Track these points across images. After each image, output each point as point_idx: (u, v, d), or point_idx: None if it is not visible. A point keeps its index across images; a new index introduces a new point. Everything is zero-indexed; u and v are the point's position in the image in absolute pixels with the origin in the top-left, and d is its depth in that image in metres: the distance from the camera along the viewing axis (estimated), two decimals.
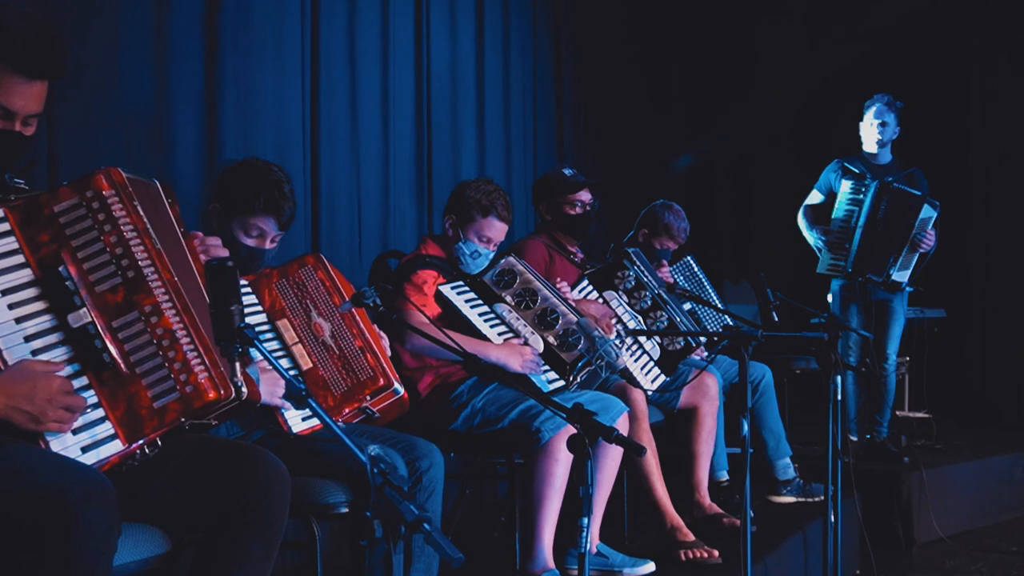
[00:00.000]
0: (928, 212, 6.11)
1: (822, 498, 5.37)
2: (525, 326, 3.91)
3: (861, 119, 6.46)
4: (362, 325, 3.19)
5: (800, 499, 5.35)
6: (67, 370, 2.29)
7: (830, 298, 6.71)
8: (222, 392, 2.32)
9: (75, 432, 2.26)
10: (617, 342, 3.87)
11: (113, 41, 3.86)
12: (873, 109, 6.33)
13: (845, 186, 6.26)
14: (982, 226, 8.33)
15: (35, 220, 2.34)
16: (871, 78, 7.55)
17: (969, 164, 8.41)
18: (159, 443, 2.38)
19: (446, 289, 3.84)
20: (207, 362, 2.33)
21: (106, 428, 2.30)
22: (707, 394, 4.73)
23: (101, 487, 2.06)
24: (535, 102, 6.79)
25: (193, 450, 2.49)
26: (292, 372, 3.07)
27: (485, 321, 3.87)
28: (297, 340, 3.15)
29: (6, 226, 2.33)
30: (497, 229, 3.97)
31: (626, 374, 3.90)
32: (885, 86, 6.58)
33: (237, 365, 2.19)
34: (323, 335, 3.16)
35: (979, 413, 8.23)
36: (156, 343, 2.32)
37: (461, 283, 3.96)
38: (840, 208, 6.23)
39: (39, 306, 2.31)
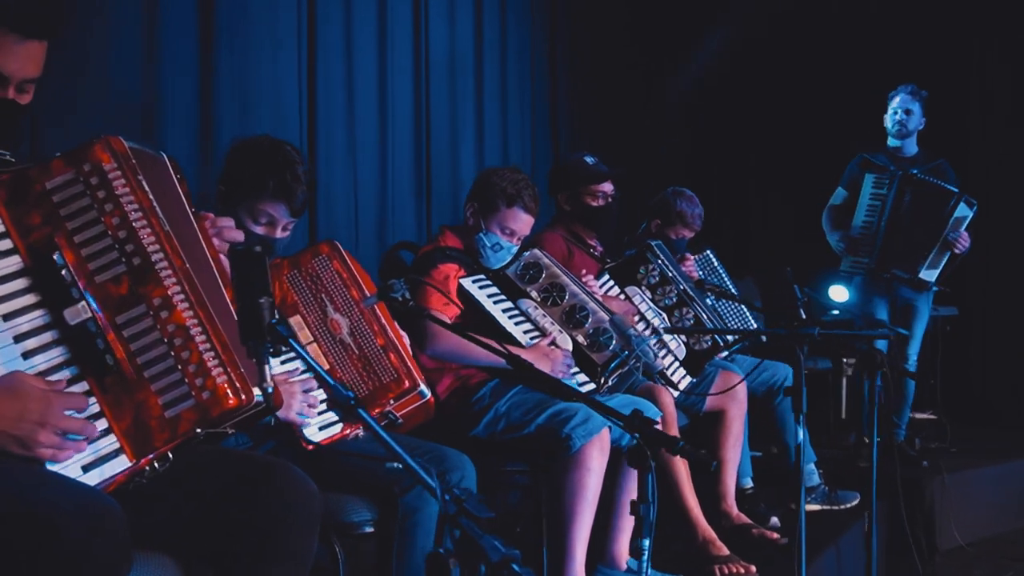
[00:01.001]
0: (964, 211, 5.83)
1: (849, 505, 5.14)
2: (552, 324, 3.59)
3: (885, 111, 6.19)
4: (384, 321, 2.86)
5: (826, 507, 5.06)
6: (64, 374, 1.95)
7: (835, 294, 6.44)
8: (243, 398, 2.00)
9: (77, 448, 1.92)
10: (654, 341, 3.56)
11: (100, 18, 3.57)
12: (897, 99, 6.07)
13: (868, 180, 5.99)
14: (982, 226, 8.08)
15: (24, 198, 2.00)
16: (870, 77, 7.29)
17: (969, 164, 8.15)
18: (170, 457, 2.04)
19: (467, 283, 3.52)
20: (226, 363, 2.00)
21: (110, 442, 1.96)
22: (735, 397, 4.43)
23: (109, 516, 1.73)
24: (532, 90, 6.56)
25: (207, 464, 2.16)
26: (305, 375, 2.73)
27: (510, 318, 3.56)
28: (312, 339, 2.82)
29: None
30: (522, 221, 3.66)
31: (663, 375, 3.59)
32: (885, 85, 6.33)
33: (267, 368, 1.85)
34: (340, 333, 2.83)
35: (979, 414, 7.99)
36: (167, 342, 1.99)
37: (483, 277, 3.63)
38: (863, 203, 5.96)
39: (30, 299, 1.98)
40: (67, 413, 1.86)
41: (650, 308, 4.26)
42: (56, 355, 1.96)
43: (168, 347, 1.99)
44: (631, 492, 3.57)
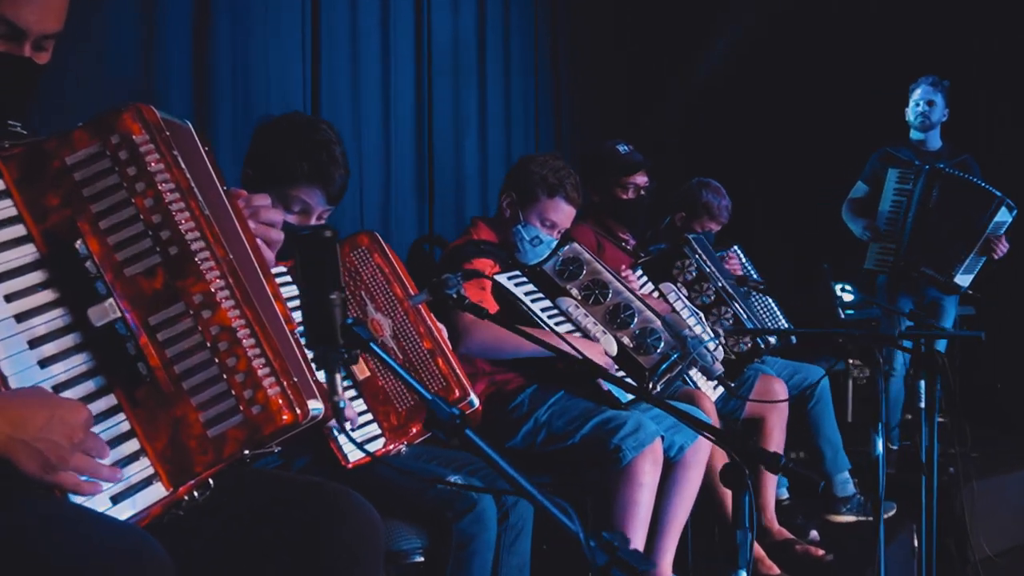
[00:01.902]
0: (1004, 216, 5.57)
1: (886, 516, 4.86)
2: (595, 324, 3.29)
3: (906, 104, 5.93)
4: (430, 323, 2.55)
5: (861, 518, 4.78)
6: (88, 385, 1.63)
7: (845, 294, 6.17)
8: (299, 413, 1.68)
9: None
10: (712, 344, 3.26)
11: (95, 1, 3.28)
12: (919, 90, 5.80)
13: (892, 175, 5.72)
14: None
15: (40, 176, 1.68)
16: (868, 75, 7.03)
17: (993, 160, 7.91)
18: (211, 483, 1.73)
19: (503, 279, 3.21)
20: (278, 372, 1.69)
21: (143, 467, 1.65)
22: (775, 407, 4.14)
23: (152, 562, 1.41)
24: (536, 82, 6.31)
25: (253, 491, 1.84)
26: (352, 393, 2.42)
27: (549, 318, 3.25)
28: None
29: (0, 184, 1.66)
30: (564, 213, 3.36)
31: (722, 381, 3.29)
32: (884, 84, 6.07)
33: (338, 379, 1.54)
34: (383, 335, 2.51)
35: (985, 416, 7.74)
36: (210, 347, 1.67)
37: (518, 273, 3.32)
38: (887, 199, 5.69)
39: (48, 296, 1.65)
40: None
41: (686, 307, 3.97)
42: (78, 363, 1.64)
43: (211, 353, 1.67)
44: (678, 507, 3.30)
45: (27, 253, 1.65)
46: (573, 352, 2.97)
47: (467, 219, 5.48)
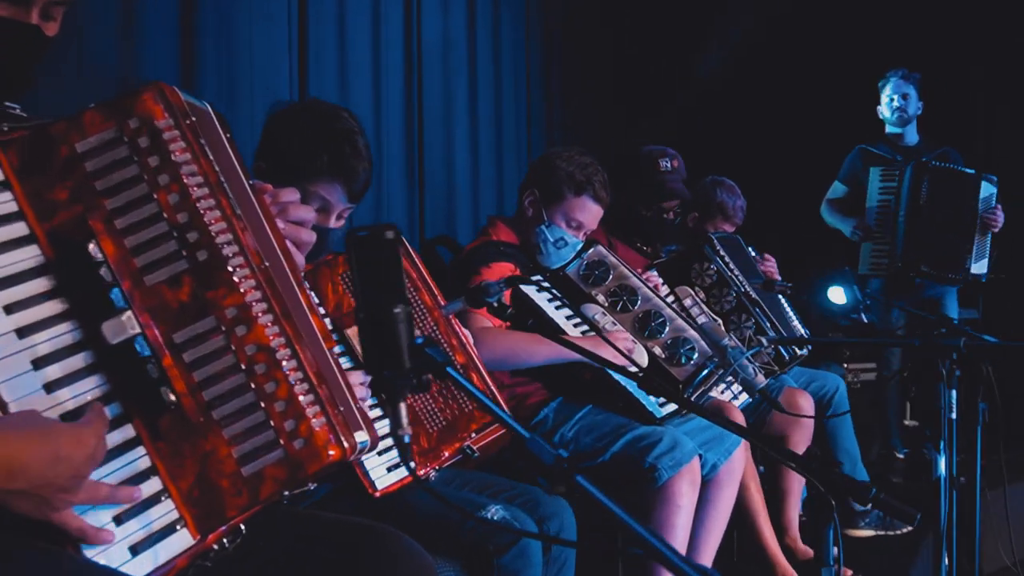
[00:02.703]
0: (988, 189, 5.41)
1: (906, 530, 4.67)
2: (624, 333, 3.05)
3: (878, 102, 5.73)
4: (462, 335, 2.30)
5: (880, 532, 4.58)
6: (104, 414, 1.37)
7: (833, 296, 5.97)
8: (347, 447, 1.44)
9: (119, 520, 1.34)
10: (751, 354, 3.03)
11: None
12: (890, 84, 5.60)
13: (874, 174, 5.51)
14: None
15: (45, 166, 1.42)
16: (866, 76, 6.83)
17: (976, 155, 7.75)
18: (243, 530, 1.48)
19: (527, 287, 2.96)
20: (323, 399, 1.44)
21: (166, 510, 1.40)
22: (800, 420, 3.91)
23: None
24: (528, 81, 6.09)
25: (288, 532, 1.59)
26: (369, 403, 2.16)
27: (575, 327, 3.01)
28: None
29: None
30: (591, 213, 3.13)
31: (764, 394, 3.06)
32: (844, 80, 5.90)
33: (403, 410, 1.30)
34: None
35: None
36: (246, 369, 1.42)
37: (540, 278, 3.08)
38: (872, 199, 5.49)
39: (55, 308, 1.39)
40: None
41: (703, 313, 3.73)
42: (90, 387, 1.39)
43: (247, 377, 1.42)
44: (711, 529, 3.09)
45: (30, 256, 1.40)
46: (613, 355, 2.75)
47: (458, 218, 5.27)
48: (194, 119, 1.50)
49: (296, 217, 1.68)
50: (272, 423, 1.41)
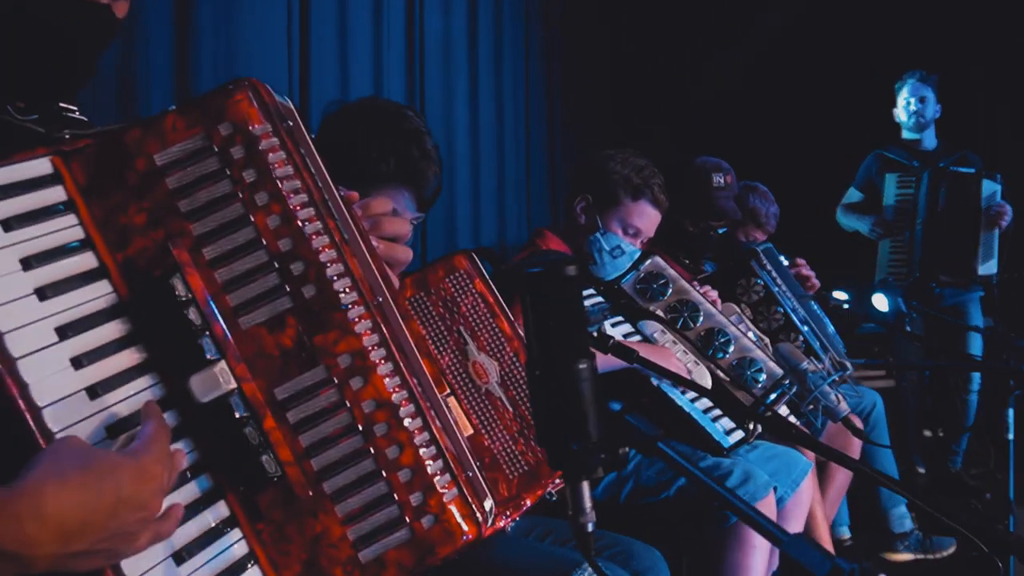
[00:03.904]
0: (991, 187, 5.22)
1: (946, 553, 4.47)
2: (685, 353, 2.80)
3: (894, 104, 5.53)
4: None
5: (920, 556, 4.36)
6: (191, 489, 1.12)
7: (877, 303, 5.76)
8: (480, 521, 1.20)
9: None
10: (836, 378, 2.78)
11: None
12: (907, 87, 5.39)
13: (890, 181, 5.31)
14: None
15: (118, 182, 1.15)
16: (864, 79, 6.64)
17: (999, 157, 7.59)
18: None
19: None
20: (452, 464, 1.19)
21: None
22: (847, 445, 3.67)
23: None
24: (527, 79, 5.90)
25: None
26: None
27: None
28: (448, 391, 1.98)
29: (59, 193, 1.13)
30: (650, 218, 2.89)
31: (847, 423, 2.82)
32: (865, 84, 5.70)
33: (586, 491, 1.04)
34: (487, 381, 1.99)
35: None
36: (363, 431, 1.16)
37: (592, 291, 2.83)
38: (889, 199, 5.30)
39: (131, 359, 1.13)
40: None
41: (750, 330, 3.48)
42: (182, 453, 1.11)
43: (365, 440, 1.16)
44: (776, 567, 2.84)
45: (101, 294, 1.13)
46: (680, 368, 2.52)
47: (458, 220, 5.02)
48: (291, 123, 1.24)
49: (391, 232, 1.42)
50: (396, 496, 1.16)
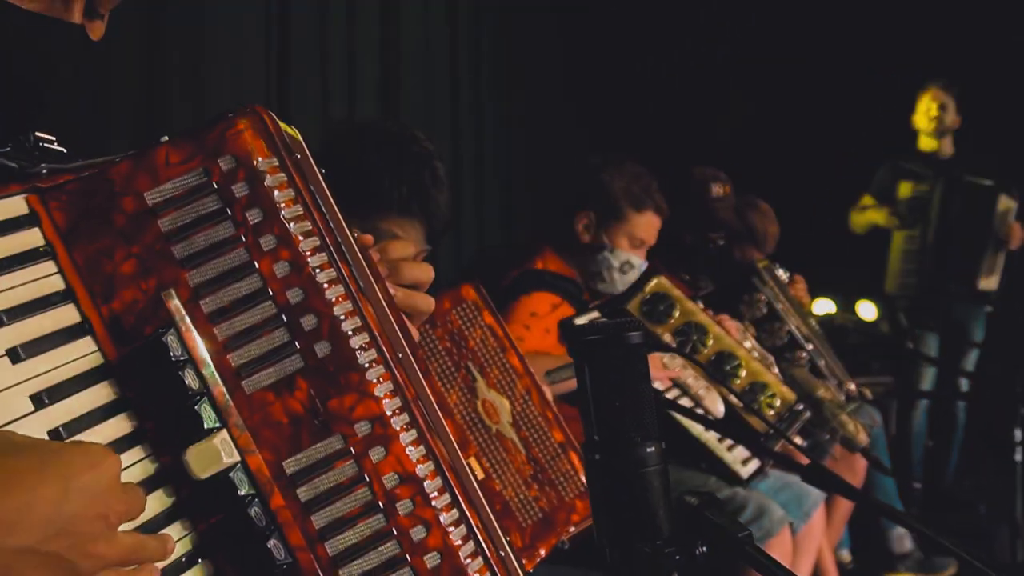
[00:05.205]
0: (1007, 203, 5.14)
1: (948, 573, 4.37)
2: (696, 379, 2.67)
3: (913, 110, 5.44)
4: (554, 405, 1.91)
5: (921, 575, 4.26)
6: None
7: (864, 312, 5.67)
8: None
9: None
10: (852, 407, 2.66)
11: None
12: (928, 94, 5.30)
13: (904, 188, 5.22)
14: None
15: (103, 224, 1.01)
16: (863, 84, 6.54)
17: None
18: None
19: (584, 322, 2.55)
20: (483, 543, 1.05)
21: None
22: (852, 468, 3.56)
23: None
24: (506, 88, 5.78)
25: None
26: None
27: None
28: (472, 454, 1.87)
29: (35, 236, 0.98)
30: (655, 227, 2.80)
31: (867, 454, 2.69)
32: (879, 91, 5.60)
33: None
34: (498, 421, 1.87)
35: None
36: (384, 509, 1.01)
37: (596, 314, 2.69)
38: (903, 201, 5.21)
39: (119, 429, 1.00)
40: None
41: (754, 349, 3.36)
42: (171, 539, 0.96)
43: (386, 519, 1.02)
44: None
45: (83, 354, 0.98)
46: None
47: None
48: (298, 156, 1.09)
49: (411, 279, 1.28)
50: None
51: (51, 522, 0.79)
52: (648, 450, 0.86)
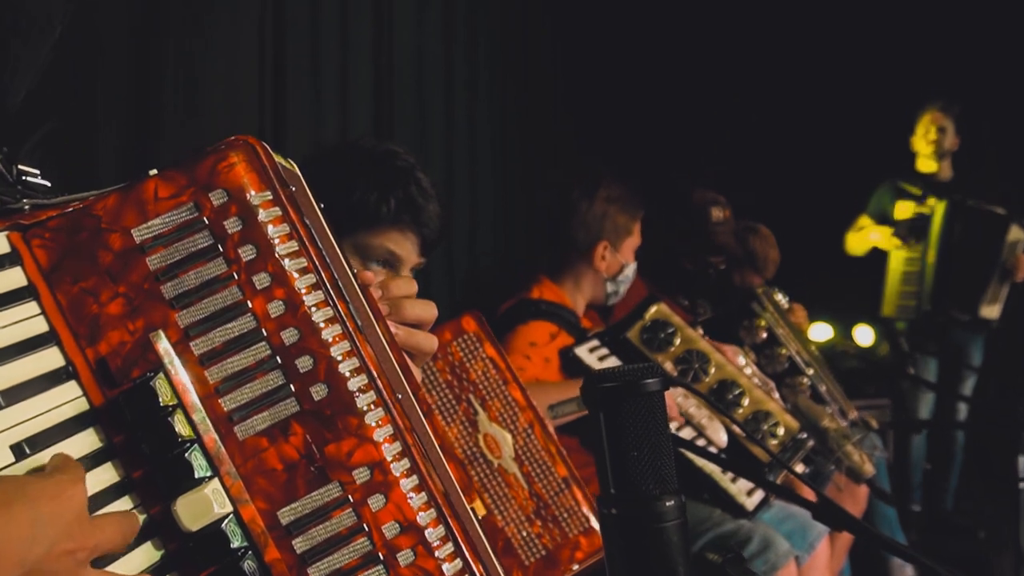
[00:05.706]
0: (1017, 234, 5.09)
1: None
2: (698, 408, 2.62)
3: (912, 132, 5.41)
4: (556, 439, 1.86)
5: None
6: None
7: (861, 337, 5.63)
8: None
9: None
10: (858, 437, 2.62)
11: None
12: (928, 116, 5.28)
13: (902, 210, 5.18)
14: None
15: (88, 262, 0.96)
16: (864, 90, 6.51)
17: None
18: None
19: (583, 352, 2.53)
20: None
21: None
22: (854, 497, 3.50)
23: None
24: (501, 97, 5.68)
25: None
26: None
27: None
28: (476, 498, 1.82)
29: (17, 276, 0.94)
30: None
31: (872, 486, 2.64)
32: (876, 111, 5.58)
33: None
34: (499, 456, 1.82)
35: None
36: (384, 561, 0.97)
37: (596, 342, 2.65)
38: (900, 222, 5.18)
39: (105, 477, 0.95)
40: None
41: (755, 375, 3.31)
42: None
43: (388, 572, 0.97)
44: None
45: (67, 400, 0.93)
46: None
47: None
48: (293, 189, 1.05)
49: (413, 317, 1.23)
50: None
51: (23, 562, 0.77)
52: (668, 504, 0.82)
